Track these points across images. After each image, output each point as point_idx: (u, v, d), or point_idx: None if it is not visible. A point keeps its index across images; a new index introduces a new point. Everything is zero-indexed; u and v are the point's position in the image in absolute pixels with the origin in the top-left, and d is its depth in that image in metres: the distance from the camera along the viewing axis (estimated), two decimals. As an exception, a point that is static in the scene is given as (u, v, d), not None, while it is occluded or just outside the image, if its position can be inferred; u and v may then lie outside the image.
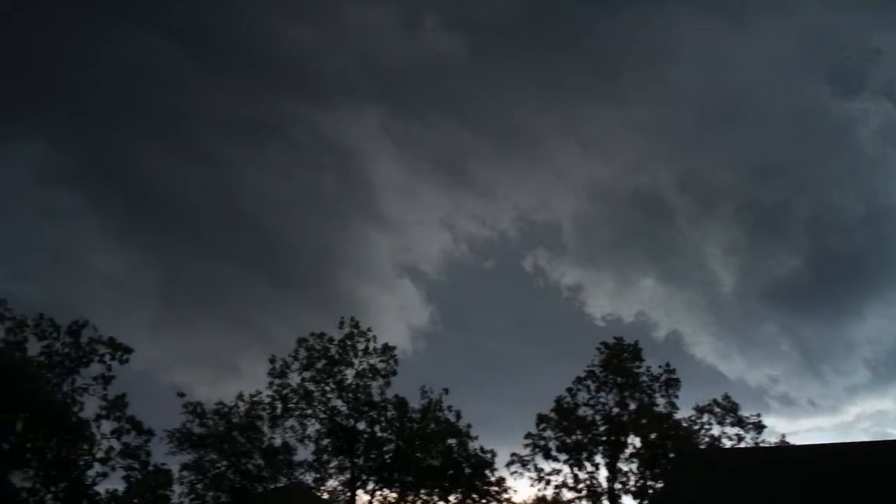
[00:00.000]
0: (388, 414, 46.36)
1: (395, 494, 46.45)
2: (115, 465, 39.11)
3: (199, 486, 44.61)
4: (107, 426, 39.31)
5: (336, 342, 46.81)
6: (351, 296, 77.35)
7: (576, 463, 48.08)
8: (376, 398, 46.48)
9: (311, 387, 46.41)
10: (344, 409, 46.42)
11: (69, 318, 40.06)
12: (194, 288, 77.01)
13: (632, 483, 47.17)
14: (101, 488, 39.41)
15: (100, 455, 38.77)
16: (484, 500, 46.46)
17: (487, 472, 46.68)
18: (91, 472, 38.76)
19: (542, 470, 48.28)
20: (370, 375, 46.65)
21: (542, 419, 48.72)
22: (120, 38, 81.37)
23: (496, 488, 46.74)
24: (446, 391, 47.24)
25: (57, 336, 39.44)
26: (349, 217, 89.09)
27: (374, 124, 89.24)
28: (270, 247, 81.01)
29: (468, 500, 46.31)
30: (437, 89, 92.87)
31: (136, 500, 41.26)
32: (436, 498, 46.19)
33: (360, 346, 46.95)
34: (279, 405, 46.29)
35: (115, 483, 40.09)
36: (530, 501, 48.87)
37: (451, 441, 46.73)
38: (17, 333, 38.99)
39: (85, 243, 76.99)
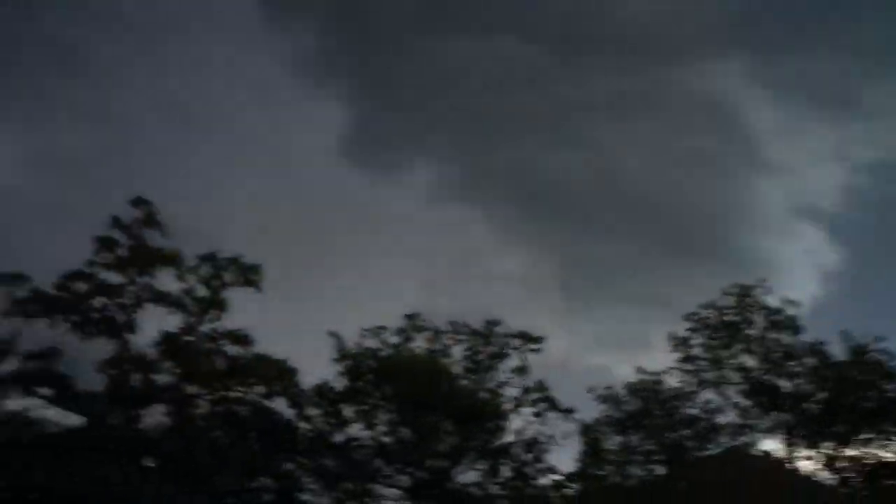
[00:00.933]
0: (807, 363, 43.62)
1: (830, 445, 43.19)
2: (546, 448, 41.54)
3: (631, 467, 45.57)
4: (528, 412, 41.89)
5: (729, 309, 45.60)
6: (753, 251, 74.70)
7: None
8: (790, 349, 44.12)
9: (719, 352, 45.46)
10: (757, 366, 44.65)
11: (480, 321, 43.21)
12: (593, 271, 78.23)
13: None
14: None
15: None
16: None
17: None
18: (528, 458, 41.55)
19: None
20: (777, 329, 44.61)
21: None
22: (479, 46, 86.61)
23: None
24: (880, 339, 43.34)
25: (474, 338, 43.22)
26: (735, 171, 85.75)
27: (741, 70, 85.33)
28: (662, 217, 79.82)
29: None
30: (799, 20, 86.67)
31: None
32: (882, 440, 42.10)
33: (756, 306, 45.33)
34: (691, 378, 45.85)
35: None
36: None
37: (887, 384, 42.57)
38: (435, 342, 43.20)
39: (482, 248, 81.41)
